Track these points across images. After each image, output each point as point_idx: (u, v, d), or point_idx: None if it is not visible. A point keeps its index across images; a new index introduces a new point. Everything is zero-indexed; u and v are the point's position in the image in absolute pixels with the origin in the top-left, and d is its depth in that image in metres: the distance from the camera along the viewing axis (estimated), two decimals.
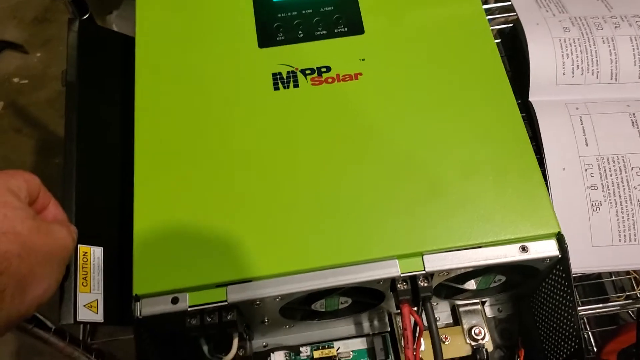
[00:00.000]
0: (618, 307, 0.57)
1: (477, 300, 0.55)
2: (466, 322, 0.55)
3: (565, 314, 0.48)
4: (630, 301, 0.56)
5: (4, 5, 1.65)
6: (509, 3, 0.64)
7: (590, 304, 0.57)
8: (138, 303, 0.45)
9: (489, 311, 0.56)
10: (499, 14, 0.73)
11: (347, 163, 0.50)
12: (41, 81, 1.53)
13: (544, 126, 0.53)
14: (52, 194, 0.49)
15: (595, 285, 0.66)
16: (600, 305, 0.56)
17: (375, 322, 0.56)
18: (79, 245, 0.50)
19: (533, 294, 0.54)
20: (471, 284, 0.51)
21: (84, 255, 0.51)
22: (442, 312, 0.56)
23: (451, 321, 0.56)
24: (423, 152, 0.50)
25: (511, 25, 0.65)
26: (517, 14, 0.59)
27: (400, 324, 0.54)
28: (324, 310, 0.51)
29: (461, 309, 0.55)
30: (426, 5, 0.58)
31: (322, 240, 0.46)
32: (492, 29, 0.67)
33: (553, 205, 0.48)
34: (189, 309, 0.45)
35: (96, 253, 0.51)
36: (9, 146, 1.43)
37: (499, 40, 0.66)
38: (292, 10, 0.58)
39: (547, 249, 0.46)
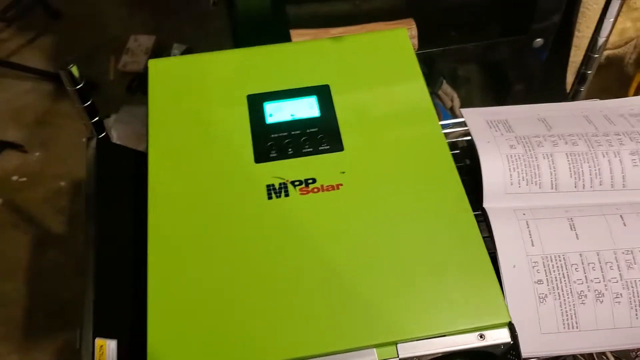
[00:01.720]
0: None
1: None
2: None
3: None
4: None
5: (7, 107, 1.76)
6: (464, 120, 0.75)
7: None
8: None
9: None
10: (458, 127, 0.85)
11: (330, 261, 0.58)
12: (39, 179, 1.61)
13: (496, 229, 0.62)
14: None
15: None
16: None
17: None
18: (95, 339, 0.57)
19: None
20: None
21: (100, 348, 0.58)
22: None
23: None
24: (394, 252, 0.59)
25: (470, 138, 0.76)
26: (471, 135, 0.69)
27: None
28: None
29: None
30: (394, 127, 0.68)
31: (307, 331, 0.54)
32: (455, 140, 0.78)
33: (505, 298, 0.58)
34: None
35: (111, 345, 0.58)
36: (6, 241, 1.50)
37: (457, 151, 0.77)
38: (283, 131, 0.69)
39: (501, 336, 0.55)
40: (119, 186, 0.71)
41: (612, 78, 0.82)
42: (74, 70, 0.66)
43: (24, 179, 1.62)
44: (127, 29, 1.96)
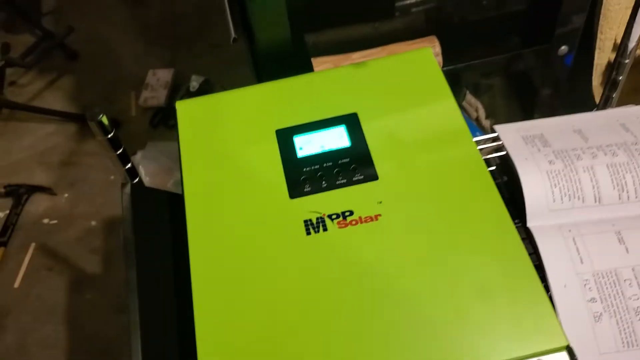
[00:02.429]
0: None
1: None
2: None
3: None
4: None
5: (32, 152, 1.79)
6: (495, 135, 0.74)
7: None
8: None
9: None
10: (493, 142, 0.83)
11: (374, 294, 0.57)
12: (69, 221, 1.63)
13: (543, 249, 0.61)
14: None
15: None
16: None
17: None
18: None
19: None
20: None
21: None
22: None
23: None
24: (440, 281, 0.58)
25: (504, 152, 0.75)
26: (507, 151, 0.68)
27: None
28: None
29: None
30: (428, 151, 0.67)
31: None
32: (486, 158, 0.77)
33: (558, 320, 0.56)
34: None
35: None
36: (43, 285, 1.51)
37: (494, 168, 0.76)
38: (314, 164, 0.68)
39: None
40: (155, 229, 0.71)
41: None
42: (104, 119, 0.66)
43: (55, 221, 1.63)
44: (144, 64, 1.98)
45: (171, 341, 0.63)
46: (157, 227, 0.72)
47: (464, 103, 1.39)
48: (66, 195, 1.69)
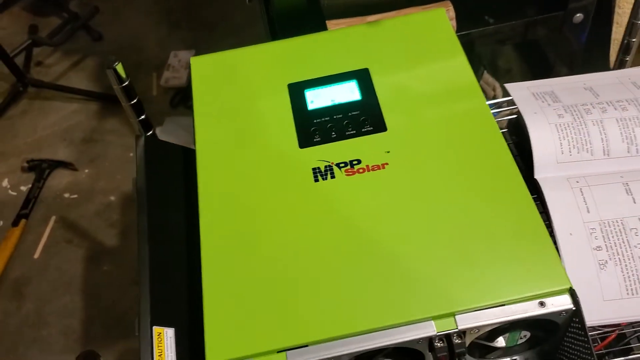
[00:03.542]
0: None
1: (508, 359, 0.61)
2: None
3: None
4: None
5: (57, 128, 1.82)
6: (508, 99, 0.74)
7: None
8: None
9: None
10: (505, 106, 0.83)
11: (381, 238, 0.58)
12: (90, 195, 1.66)
13: (549, 199, 0.61)
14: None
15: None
16: (623, 358, 0.60)
17: None
18: (153, 327, 0.58)
19: (557, 351, 0.60)
20: (500, 342, 0.57)
21: (158, 335, 0.59)
22: None
23: None
24: (447, 225, 0.58)
25: (516, 116, 0.75)
26: (517, 107, 0.68)
27: None
28: None
29: None
30: (437, 104, 0.68)
31: (366, 306, 0.54)
32: (501, 120, 0.77)
33: (564, 266, 0.56)
34: None
35: (169, 333, 0.59)
36: (62, 256, 1.54)
37: (506, 130, 0.76)
38: (325, 116, 0.69)
39: (562, 302, 0.53)
40: (168, 180, 0.72)
41: None
42: (119, 68, 0.68)
43: (75, 195, 1.66)
44: (166, 46, 2.00)
45: (180, 288, 0.64)
46: (170, 179, 0.73)
47: (481, 82, 1.39)
48: (87, 171, 1.72)
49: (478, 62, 1.37)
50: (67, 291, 1.48)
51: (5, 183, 1.72)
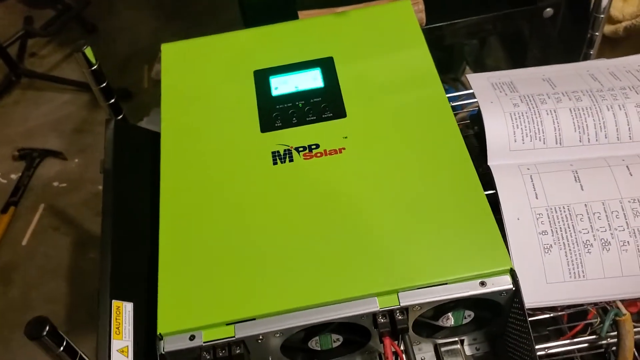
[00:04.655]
0: (585, 344, 0.62)
1: (456, 339, 0.63)
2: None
3: (526, 350, 0.55)
4: (594, 337, 0.62)
5: (48, 118, 1.85)
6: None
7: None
8: (162, 341, 0.54)
9: (468, 350, 0.64)
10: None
11: (333, 218, 0.60)
12: (78, 184, 1.68)
13: (500, 184, 0.63)
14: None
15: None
16: (561, 342, 0.61)
17: None
18: (113, 300, 0.60)
19: (503, 333, 0.61)
20: (446, 320, 0.59)
21: (117, 309, 0.60)
22: (426, 352, 0.64)
23: None
24: (395, 206, 0.60)
25: (477, 108, 0.76)
26: (476, 97, 0.70)
27: None
28: (319, 349, 0.59)
29: (442, 349, 0.63)
30: (397, 92, 0.70)
31: (313, 282, 0.56)
32: (464, 113, 0.79)
33: (510, 250, 0.58)
34: (203, 344, 0.54)
35: (127, 307, 0.61)
36: (49, 244, 1.56)
37: (468, 122, 0.77)
38: (287, 102, 0.71)
39: (502, 282, 0.55)
40: (135, 162, 0.74)
41: (633, 51, 0.80)
42: (88, 52, 0.70)
43: (64, 184, 1.69)
44: (159, 39, 2.01)
45: (141, 265, 0.66)
46: (138, 161, 0.75)
47: (463, 78, 1.40)
48: (76, 160, 1.74)
49: (461, 58, 1.38)
50: (54, 277, 1.50)
51: None
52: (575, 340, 0.61)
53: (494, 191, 0.62)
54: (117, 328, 0.60)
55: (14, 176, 1.71)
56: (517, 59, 1.30)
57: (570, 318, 0.61)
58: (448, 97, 0.69)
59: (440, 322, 0.59)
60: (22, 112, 1.89)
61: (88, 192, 1.66)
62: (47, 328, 0.48)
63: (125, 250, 0.66)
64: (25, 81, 1.95)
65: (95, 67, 0.71)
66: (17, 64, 1.92)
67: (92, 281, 1.52)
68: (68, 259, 1.53)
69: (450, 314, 0.58)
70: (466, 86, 1.39)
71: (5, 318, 1.43)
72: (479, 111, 0.71)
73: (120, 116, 0.77)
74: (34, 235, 1.59)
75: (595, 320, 0.60)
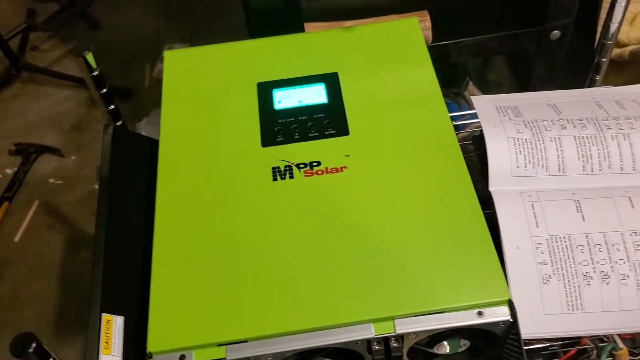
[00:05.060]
0: None
1: None
2: None
3: None
4: None
5: (47, 114, 1.83)
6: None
7: None
8: None
9: None
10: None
11: (331, 240, 0.59)
12: (74, 182, 1.66)
13: (500, 211, 0.62)
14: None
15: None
16: None
17: None
18: (102, 314, 0.59)
19: None
20: (441, 348, 0.58)
21: (107, 322, 0.59)
22: None
23: None
24: (395, 231, 0.59)
25: (480, 129, 0.75)
26: (479, 120, 0.69)
27: None
28: None
29: None
30: (400, 112, 0.69)
31: (308, 305, 0.55)
32: (466, 133, 0.78)
33: (508, 279, 0.57)
34: None
35: (117, 321, 0.60)
36: (42, 241, 1.55)
37: (470, 142, 0.77)
38: (290, 117, 0.70)
39: (500, 313, 0.54)
40: (132, 171, 0.73)
41: (638, 75, 0.80)
42: (90, 57, 0.69)
43: (60, 181, 1.67)
44: (162, 38, 2.01)
45: (134, 278, 0.64)
46: (135, 169, 0.74)
47: (465, 93, 1.39)
48: (73, 157, 1.72)
49: (464, 73, 1.37)
50: (44, 276, 1.49)
51: None
52: None
53: (492, 210, 0.62)
54: (107, 342, 0.58)
55: (9, 171, 1.70)
56: (521, 77, 1.29)
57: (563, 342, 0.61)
58: (451, 116, 0.68)
59: (435, 350, 0.58)
60: (21, 106, 1.88)
61: (84, 191, 1.64)
62: (34, 345, 0.47)
63: (118, 261, 0.65)
64: (26, 75, 1.94)
65: (96, 72, 0.70)
66: (18, 57, 1.90)
67: (83, 281, 1.51)
68: (60, 258, 1.52)
69: (445, 342, 0.57)
70: (468, 102, 1.39)
71: None
72: (482, 134, 0.71)
73: (120, 122, 0.76)
74: (26, 232, 1.57)
75: (589, 346, 0.60)
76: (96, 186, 1.64)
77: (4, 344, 1.37)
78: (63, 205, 1.62)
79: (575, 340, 0.60)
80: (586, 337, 0.58)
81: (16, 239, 1.56)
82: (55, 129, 1.80)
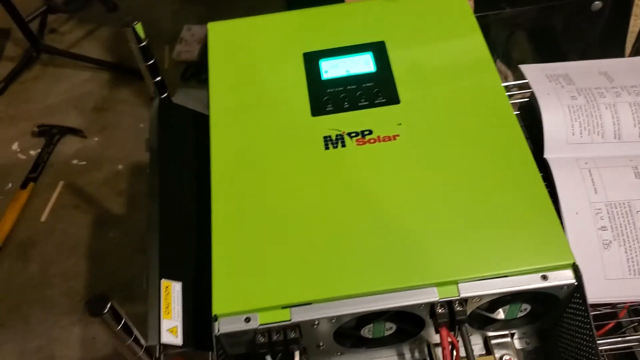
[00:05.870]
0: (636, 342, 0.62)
1: (507, 332, 0.62)
2: (497, 352, 0.61)
3: (585, 346, 0.54)
4: None
5: (68, 96, 1.83)
6: (525, 81, 0.74)
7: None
8: (217, 322, 0.54)
9: (517, 344, 0.63)
10: (517, 90, 0.84)
11: (390, 206, 0.59)
12: (98, 163, 1.67)
13: (558, 178, 0.62)
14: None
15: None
16: (620, 339, 0.61)
17: (416, 354, 0.63)
18: (162, 280, 0.59)
19: (556, 327, 0.61)
20: (500, 314, 0.58)
21: (166, 288, 0.60)
22: (475, 344, 0.63)
23: (484, 352, 0.63)
24: (455, 197, 0.59)
25: (527, 99, 0.75)
26: (531, 88, 0.69)
27: (439, 354, 0.61)
28: (371, 337, 0.59)
29: (492, 341, 0.62)
30: (451, 80, 0.68)
31: (372, 269, 0.55)
32: (513, 103, 0.78)
33: (569, 243, 0.57)
34: (259, 327, 0.53)
35: (176, 287, 0.60)
36: (68, 221, 1.55)
37: (518, 112, 0.76)
38: (338, 86, 0.69)
39: (565, 276, 0.54)
40: (180, 142, 0.73)
41: None
42: (138, 28, 0.68)
43: (84, 162, 1.68)
44: (180, 20, 2.00)
45: (189, 245, 0.65)
46: (182, 140, 0.74)
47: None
48: (96, 139, 1.73)
49: (492, 50, 1.36)
50: (72, 254, 1.49)
51: (15, 147, 1.74)
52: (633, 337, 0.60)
53: (546, 183, 0.62)
54: (167, 307, 0.59)
55: (33, 152, 1.70)
56: (543, 53, 1.28)
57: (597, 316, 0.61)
58: None
59: (494, 315, 0.58)
60: (42, 88, 1.88)
61: (108, 171, 1.64)
62: (109, 306, 0.47)
63: (173, 229, 0.65)
64: (46, 57, 1.94)
65: (144, 43, 0.70)
66: (38, 40, 1.90)
67: (111, 259, 1.52)
68: (87, 237, 1.52)
69: (506, 307, 0.57)
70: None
71: (24, 294, 1.43)
72: (531, 103, 0.70)
73: (165, 95, 0.76)
74: (52, 212, 1.58)
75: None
76: (120, 167, 1.65)
77: (35, 319, 1.38)
78: (88, 185, 1.63)
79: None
80: None
81: (42, 218, 1.57)
82: (77, 111, 1.80)
